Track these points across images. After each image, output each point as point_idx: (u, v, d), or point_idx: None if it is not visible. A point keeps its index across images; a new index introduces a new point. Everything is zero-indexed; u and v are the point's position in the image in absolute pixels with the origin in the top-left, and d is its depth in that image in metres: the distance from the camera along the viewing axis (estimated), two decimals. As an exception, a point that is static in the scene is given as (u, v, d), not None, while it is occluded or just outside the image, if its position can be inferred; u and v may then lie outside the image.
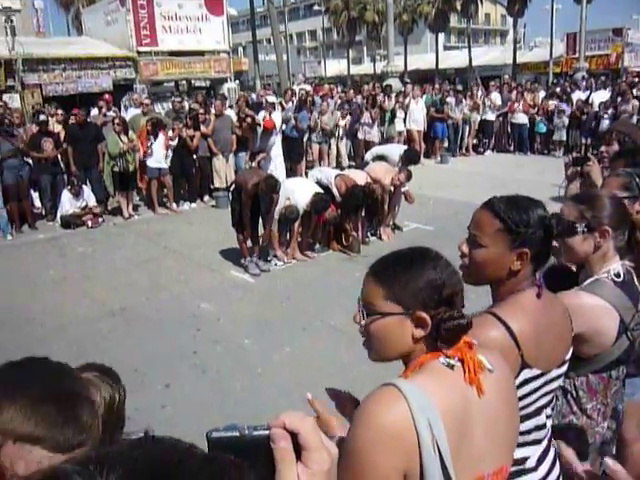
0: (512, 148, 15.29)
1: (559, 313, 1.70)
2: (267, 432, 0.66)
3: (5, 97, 13.78)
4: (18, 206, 9.16)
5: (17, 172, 8.98)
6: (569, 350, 1.70)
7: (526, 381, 1.56)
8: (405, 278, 1.28)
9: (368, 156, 9.13)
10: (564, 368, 1.68)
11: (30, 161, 9.27)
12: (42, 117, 10.06)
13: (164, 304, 6.08)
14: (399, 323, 1.27)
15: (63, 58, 16.11)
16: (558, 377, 1.66)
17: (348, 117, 12.55)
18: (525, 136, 14.89)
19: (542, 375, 1.59)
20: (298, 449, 0.65)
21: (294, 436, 0.65)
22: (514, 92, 15.31)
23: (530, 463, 1.60)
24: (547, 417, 1.68)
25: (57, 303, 6.23)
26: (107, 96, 12.58)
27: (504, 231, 1.58)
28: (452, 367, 1.22)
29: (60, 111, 10.97)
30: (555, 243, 1.90)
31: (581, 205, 2.03)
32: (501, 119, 15.20)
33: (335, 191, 7.23)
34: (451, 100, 14.55)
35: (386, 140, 12.45)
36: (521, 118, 14.72)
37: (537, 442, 1.62)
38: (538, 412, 1.61)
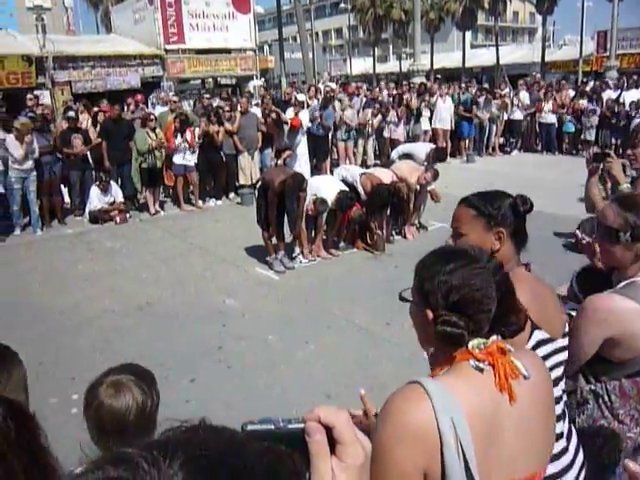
0: (540, 148, 15.10)
1: (550, 288, 1.85)
2: (302, 425, 0.65)
3: (36, 94, 14.03)
4: (49, 201, 9.35)
5: (50, 168, 9.17)
6: (566, 323, 1.78)
7: (539, 344, 1.61)
8: (427, 274, 1.33)
9: (394, 154, 9.09)
10: (567, 341, 1.74)
11: (60, 157, 9.44)
12: (70, 113, 10.22)
13: (190, 299, 6.14)
14: (421, 315, 1.33)
15: (92, 56, 16.34)
16: (564, 349, 1.72)
17: (379, 116, 12.50)
18: (553, 136, 14.67)
19: (551, 341, 1.65)
20: (332, 443, 0.65)
21: (328, 430, 0.65)
22: (542, 91, 15.10)
23: None
24: (563, 392, 1.72)
25: (86, 297, 6.32)
26: (139, 96, 12.71)
27: (478, 216, 1.82)
28: (481, 370, 1.22)
29: (95, 108, 11.11)
30: (596, 247, 1.90)
31: (627, 212, 1.92)
32: (529, 118, 15.00)
33: (360, 189, 7.22)
34: (481, 100, 14.40)
35: (412, 139, 12.38)
36: (549, 117, 14.51)
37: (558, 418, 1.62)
38: (555, 383, 1.61)
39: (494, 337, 1.26)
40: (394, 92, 14.48)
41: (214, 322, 5.51)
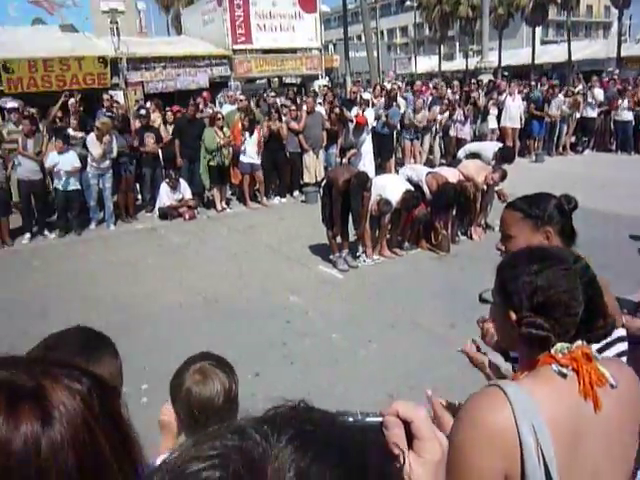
0: (614, 147, 14.45)
1: (604, 280, 1.83)
2: (380, 419, 0.66)
3: (111, 93, 14.60)
4: (124, 198, 9.74)
5: (126, 166, 9.55)
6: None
7: (619, 339, 1.60)
8: (510, 274, 1.30)
9: (461, 153, 8.94)
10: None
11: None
12: (142, 111, 10.58)
13: (254, 295, 6.25)
14: (502, 317, 1.31)
15: (164, 57, 16.83)
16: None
17: (446, 114, 12.32)
18: (630, 134, 14.00)
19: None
20: (409, 438, 0.65)
21: (406, 425, 0.66)
22: (617, 87, 14.46)
23: None
24: None
25: (155, 290, 6.55)
26: (205, 93, 13.04)
27: (525, 218, 1.90)
28: (564, 376, 1.18)
29: (168, 108, 11.45)
30: None
31: None
32: (603, 116, 14.38)
33: (426, 189, 7.14)
34: (553, 97, 13.93)
35: (478, 138, 12.13)
36: (625, 115, 13.86)
37: None
38: None
39: (579, 342, 1.22)
40: (458, 90, 14.23)
41: (278, 318, 5.59)
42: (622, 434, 1.21)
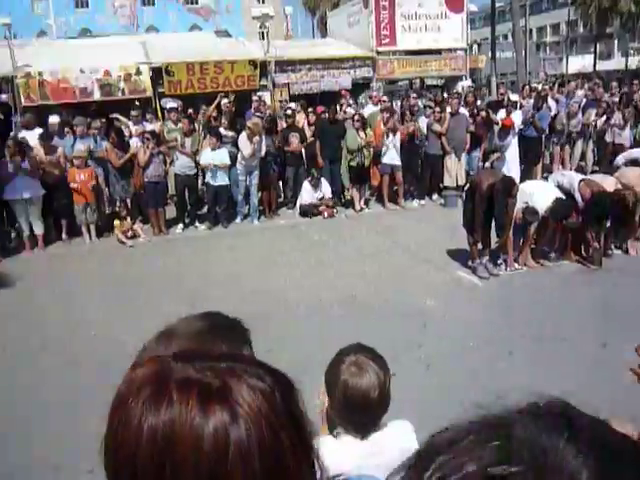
0: None
1: None
2: None
3: (259, 94, 15.34)
4: (268, 195, 10.20)
5: (272, 164, 10.01)
6: None
7: None
8: None
9: (620, 160, 8.30)
10: None
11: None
12: (288, 112, 10.99)
13: (392, 296, 6.26)
14: None
15: (309, 59, 17.34)
16: None
17: (603, 118, 11.50)
18: None
19: None
20: None
21: None
22: None
23: None
24: None
25: (293, 285, 6.79)
26: (344, 91, 13.23)
27: None
28: None
29: (310, 109, 11.80)
30: None
31: None
32: None
33: (578, 197, 6.71)
34: None
35: (639, 144, 11.16)
36: None
37: None
38: None
39: None
40: (618, 91, 13.18)
41: (415, 321, 5.55)
42: None
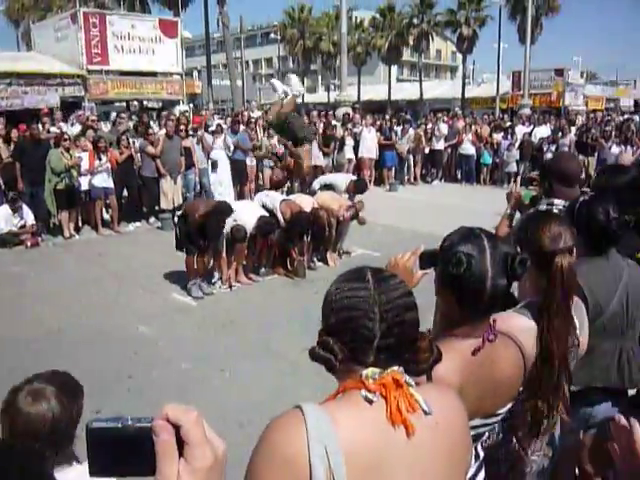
0: (460, 178, 15.71)
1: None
2: (149, 424, 0.62)
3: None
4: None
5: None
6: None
7: None
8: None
9: (316, 184, 9.14)
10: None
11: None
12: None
13: (101, 327, 5.86)
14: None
15: (9, 73, 15.68)
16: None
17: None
18: (472, 167, 15.33)
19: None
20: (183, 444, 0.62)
21: (178, 430, 0.62)
22: (461, 122, 15.83)
23: None
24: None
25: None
26: (47, 110, 12.28)
27: None
28: (370, 402, 1.14)
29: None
30: None
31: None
32: (449, 150, 15.62)
33: (280, 216, 7.20)
34: (398, 129, 14.92)
35: (336, 168, 12.57)
36: (469, 149, 15.18)
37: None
38: None
39: (394, 368, 1.18)
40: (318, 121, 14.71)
41: (125, 350, 5.29)
42: (436, 463, 1.17)
